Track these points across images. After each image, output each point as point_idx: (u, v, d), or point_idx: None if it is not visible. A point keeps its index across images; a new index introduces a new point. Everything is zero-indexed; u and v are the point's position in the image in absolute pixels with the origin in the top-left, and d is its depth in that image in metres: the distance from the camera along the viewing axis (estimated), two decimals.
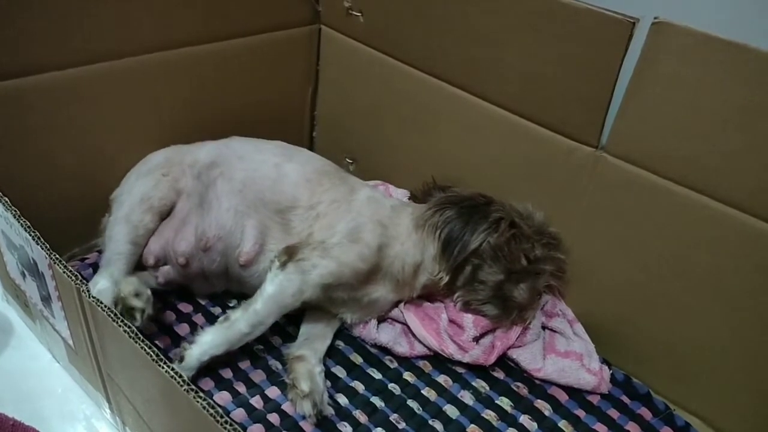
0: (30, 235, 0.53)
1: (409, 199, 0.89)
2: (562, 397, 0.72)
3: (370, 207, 0.74)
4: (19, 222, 0.55)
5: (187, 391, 0.41)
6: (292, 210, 0.74)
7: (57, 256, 0.52)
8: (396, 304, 0.77)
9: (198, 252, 0.74)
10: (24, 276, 0.62)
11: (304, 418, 0.65)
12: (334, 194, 0.75)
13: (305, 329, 0.75)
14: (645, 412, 0.71)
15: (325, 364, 0.72)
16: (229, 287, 0.79)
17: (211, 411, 0.40)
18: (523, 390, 0.72)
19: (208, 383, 0.69)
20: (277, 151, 0.79)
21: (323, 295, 0.70)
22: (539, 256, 0.73)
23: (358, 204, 0.74)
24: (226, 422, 0.39)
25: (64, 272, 0.51)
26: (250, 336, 0.67)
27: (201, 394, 0.41)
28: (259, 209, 0.74)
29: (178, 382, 0.42)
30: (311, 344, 0.72)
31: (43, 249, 0.52)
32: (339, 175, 0.79)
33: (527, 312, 0.74)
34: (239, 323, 0.66)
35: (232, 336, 0.66)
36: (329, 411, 0.66)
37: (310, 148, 1.03)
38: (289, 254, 0.69)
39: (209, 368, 0.70)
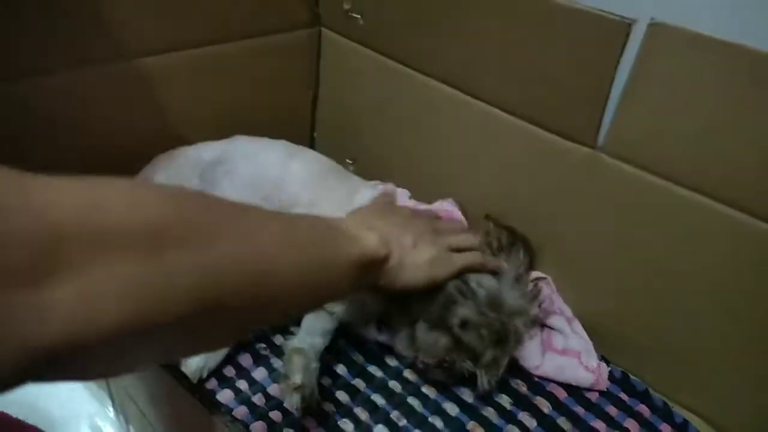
0: None
1: (410, 199, 0.90)
2: (561, 394, 0.72)
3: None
4: None
5: (191, 391, 0.42)
6: (293, 208, 0.75)
7: None
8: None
9: None
10: None
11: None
12: (335, 193, 0.76)
13: (307, 324, 0.76)
14: (643, 409, 0.71)
15: (325, 362, 0.73)
16: None
17: (214, 410, 0.41)
18: (522, 387, 0.73)
19: (211, 382, 0.68)
20: (282, 149, 0.81)
21: None
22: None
23: (357, 204, 0.75)
24: (229, 420, 0.40)
25: None
26: None
27: (204, 394, 0.41)
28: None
29: (182, 382, 0.43)
30: (312, 339, 0.72)
31: None
32: (342, 175, 0.80)
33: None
34: None
35: None
36: (315, 406, 0.66)
37: (311, 149, 1.03)
38: None
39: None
